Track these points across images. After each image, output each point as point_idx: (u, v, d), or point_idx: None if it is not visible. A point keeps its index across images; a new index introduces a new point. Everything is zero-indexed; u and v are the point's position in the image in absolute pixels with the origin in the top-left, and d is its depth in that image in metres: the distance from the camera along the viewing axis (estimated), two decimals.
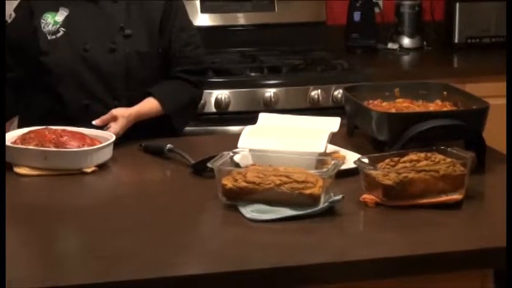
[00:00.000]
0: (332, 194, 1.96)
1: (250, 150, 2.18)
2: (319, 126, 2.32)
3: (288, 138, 2.19)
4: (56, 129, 2.37)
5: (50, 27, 2.70)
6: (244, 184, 1.96)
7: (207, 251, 1.80)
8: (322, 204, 1.93)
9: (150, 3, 2.79)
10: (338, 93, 3.57)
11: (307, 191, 1.93)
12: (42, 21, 2.70)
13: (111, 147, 2.37)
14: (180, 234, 1.88)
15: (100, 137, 2.39)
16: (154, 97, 2.72)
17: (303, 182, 1.94)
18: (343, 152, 2.33)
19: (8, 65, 2.71)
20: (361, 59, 4.09)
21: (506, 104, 2.43)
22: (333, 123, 2.34)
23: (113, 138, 2.38)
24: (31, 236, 1.89)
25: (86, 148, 2.30)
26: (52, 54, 2.68)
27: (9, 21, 2.78)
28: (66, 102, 2.69)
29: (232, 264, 1.71)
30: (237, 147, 2.19)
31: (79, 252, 1.81)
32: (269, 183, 1.95)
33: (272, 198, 1.95)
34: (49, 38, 2.69)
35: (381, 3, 4.39)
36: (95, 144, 2.33)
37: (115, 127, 2.55)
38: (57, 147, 2.30)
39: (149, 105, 2.71)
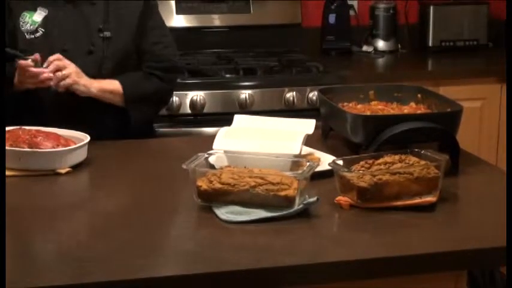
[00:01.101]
0: (307, 196, 1.96)
1: (225, 151, 2.18)
2: (294, 128, 2.32)
3: (263, 140, 2.19)
4: (30, 130, 2.35)
5: (28, 27, 2.69)
6: (219, 185, 1.96)
7: (181, 252, 1.80)
8: (297, 206, 1.93)
9: (128, 3, 2.78)
10: (313, 95, 3.57)
11: (282, 193, 1.93)
12: (20, 20, 2.69)
13: (86, 148, 2.35)
14: (154, 236, 1.87)
15: (75, 138, 2.37)
16: (117, 79, 2.71)
17: (278, 183, 1.94)
18: (318, 154, 2.34)
19: None
20: (336, 61, 4.10)
21: (506, 104, 2.44)
22: (308, 125, 2.34)
23: (88, 139, 2.36)
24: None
25: (60, 149, 2.29)
26: (28, 53, 2.66)
27: None
28: (45, 102, 2.68)
29: (207, 266, 1.70)
30: (212, 149, 2.18)
31: (52, 254, 1.80)
32: (244, 185, 1.95)
33: (247, 200, 1.95)
34: (27, 37, 2.69)
35: (356, 5, 4.40)
36: (69, 145, 2.32)
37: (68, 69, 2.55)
38: (31, 147, 2.28)
39: (111, 84, 2.70)
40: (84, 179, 2.32)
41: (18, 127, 2.37)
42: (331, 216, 1.98)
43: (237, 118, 2.44)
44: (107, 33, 2.72)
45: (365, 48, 4.33)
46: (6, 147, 2.27)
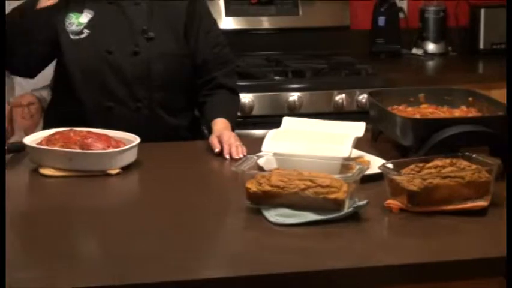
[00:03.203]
0: (356, 199, 1.95)
1: (275, 154, 2.18)
2: (343, 130, 2.31)
3: (312, 143, 2.19)
4: (81, 131, 2.37)
5: (74, 28, 2.70)
6: (268, 188, 1.95)
7: (228, 254, 1.80)
8: (346, 209, 1.92)
9: (173, 4, 2.79)
10: (362, 97, 3.56)
11: (332, 196, 1.92)
12: (66, 20, 2.71)
13: (136, 149, 2.37)
14: (202, 237, 1.88)
15: (125, 139, 2.39)
16: (220, 117, 2.70)
17: (327, 186, 1.93)
18: (367, 157, 2.32)
19: None
20: (385, 64, 4.08)
21: (506, 104, 2.42)
22: (358, 128, 2.33)
23: (138, 140, 2.38)
24: (52, 236, 1.89)
25: (110, 150, 2.30)
26: (73, 55, 2.69)
27: None
28: (87, 105, 2.70)
29: (254, 268, 1.70)
30: (261, 151, 2.18)
31: (100, 255, 1.82)
32: (293, 188, 1.94)
33: (296, 203, 1.94)
34: (72, 37, 2.70)
35: (405, 8, 4.37)
36: (119, 146, 2.33)
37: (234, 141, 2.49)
38: (82, 148, 2.30)
39: (224, 124, 2.68)
40: (134, 180, 2.33)
41: (69, 128, 2.39)
42: (381, 220, 1.97)
43: (286, 120, 2.44)
44: (151, 34, 2.73)
45: (415, 50, 4.30)
46: (57, 148, 2.29)
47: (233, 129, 2.67)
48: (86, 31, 2.71)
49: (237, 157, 2.39)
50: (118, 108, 2.71)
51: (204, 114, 2.80)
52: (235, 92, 2.89)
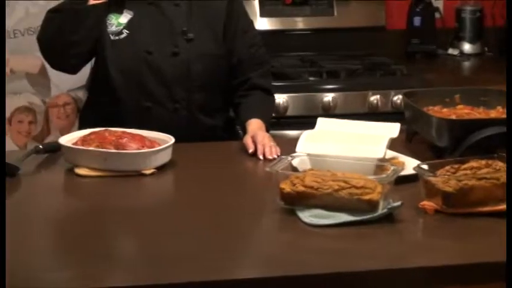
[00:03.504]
0: (391, 200, 1.94)
1: (309, 154, 2.18)
2: (378, 131, 2.30)
3: (346, 144, 2.18)
4: (116, 131, 2.39)
5: (114, 28, 2.72)
6: (302, 188, 1.96)
7: (262, 254, 1.80)
8: (381, 210, 1.92)
9: (212, 4, 2.80)
10: (397, 98, 3.54)
11: (366, 197, 1.92)
12: (107, 21, 2.73)
13: (170, 149, 2.38)
14: (237, 238, 1.88)
15: (159, 140, 2.40)
16: (255, 117, 2.72)
17: (361, 187, 1.93)
18: (402, 158, 2.32)
19: None
20: (420, 64, 4.06)
21: (506, 105, 2.40)
22: (393, 129, 2.32)
23: (172, 140, 2.39)
24: (88, 236, 1.91)
25: (145, 150, 2.32)
26: (113, 55, 2.71)
27: None
28: (125, 105, 2.72)
29: (287, 269, 1.70)
30: (295, 152, 2.19)
31: (134, 254, 1.83)
32: (327, 188, 1.94)
33: (330, 203, 1.94)
34: (112, 38, 2.72)
35: (441, 8, 4.35)
36: (154, 147, 2.34)
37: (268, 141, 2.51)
38: (117, 149, 2.31)
39: (258, 125, 2.69)
40: (169, 180, 2.34)
41: (104, 129, 2.41)
42: (415, 221, 1.96)
43: (321, 121, 2.44)
44: (191, 35, 2.74)
45: (450, 51, 4.27)
46: (93, 148, 2.31)
47: (267, 130, 2.67)
48: (126, 31, 2.72)
49: (270, 157, 2.40)
50: (156, 108, 2.72)
51: (239, 115, 2.80)
52: (270, 93, 2.89)
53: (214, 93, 2.81)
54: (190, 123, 2.75)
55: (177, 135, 2.42)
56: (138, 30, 2.73)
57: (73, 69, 2.83)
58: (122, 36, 2.72)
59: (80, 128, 2.76)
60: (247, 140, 2.51)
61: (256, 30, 2.94)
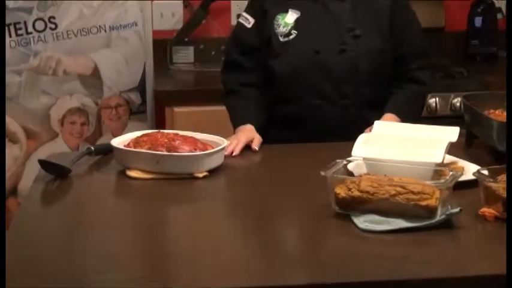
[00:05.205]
0: (449, 207, 1.93)
1: (365, 158, 2.17)
2: (436, 135, 2.29)
3: (404, 148, 2.17)
4: (168, 133, 2.40)
5: (281, 29, 2.76)
6: (357, 193, 1.95)
7: (316, 259, 1.80)
8: (439, 216, 1.90)
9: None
10: (457, 101, 3.52)
11: (423, 203, 1.91)
12: (274, 22, 2.77)
13: (223, 152, 2.39)
14: (290, 243, 1.88)
15: (212, 142, 2.41)
16: (392, 112, 2.74)
17: (419, 193, 1.91)
18: (461, 162, 2.29)
19: (248, 68, 2.83)
20: (481, 66, 4.02)
21: (506, 105, 2.36)
22: (452, 133, 2.30)
23: (225, 143, 2.40)
24: (139, 238, 1.92)
25: (198, 153, 2.33)
26: (282, 56, 2.75)
27: (243, 22, 2.84)
28: (295, 104, 2.76)
29: (343, 275, 1.70)
30: (351, 156, 2.18)
31: (187, 258, 1.83)
32: (383, 193, 1.93)
33: (386, 209, 1.93)
34: (281, 40, 2.76)
35: (503, 8, 4.29)
36: (206, 149, 2.35)
37: None
38: (169, 151, 2.32)
39: (392, 118, 2.72)
40: (221, 183, 2.35)
41: (156, 131, 2.43)
42: (474, 228, 1.94)
43: (377, 124, 2.43)
44: (357, 31, 2.75)
45: None
46: (145, 151, 2.33)
47: None
48: (294, 32, 2.76)
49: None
50: (325, 106, 2.75)
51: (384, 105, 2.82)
52: (425, 85, 2.88)
53: (380, 88, 2.81)
54: (358, 119, 2.73)
55: (345, 131, 2.46)
56: (306, 29, 2.76)
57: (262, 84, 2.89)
58: (291, 37, 2.76)
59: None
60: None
61: (419, 24, 2.94)
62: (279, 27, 2.76)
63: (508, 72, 2.57)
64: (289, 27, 2.75)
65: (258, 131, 2.68)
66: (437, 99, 3.54)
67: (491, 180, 1.98)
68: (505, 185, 1.94)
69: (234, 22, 4.06)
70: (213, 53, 4.04)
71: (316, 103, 2.74)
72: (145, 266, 1.74)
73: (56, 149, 3.61)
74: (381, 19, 2.79)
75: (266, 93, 2.83)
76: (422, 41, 2.89)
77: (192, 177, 2.31)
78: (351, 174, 2.13)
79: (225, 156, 2.42)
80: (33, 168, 2.39)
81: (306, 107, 2.75)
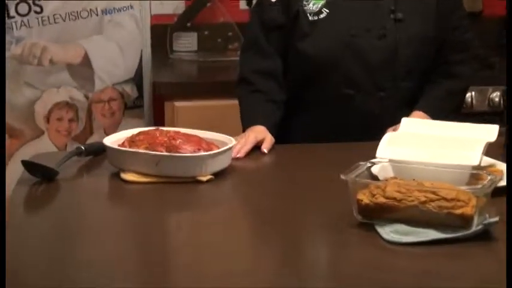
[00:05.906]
0: (487, 215, 1.93)
1: (391, 160, 2.17)
2: (472, 134, 2.29)
3: (435, 148, 2.17)
4: (168, 131, 2.40)
5: (311, 6, 2.76)
6: (383, 200, 1.95)
7: (337, 274, 1.81)
8: (475, 226, 1.91)
9: None
10: (496, 95, 3.51)
11: (458, 211, 1.91)
12: (304, 0, 2.77)
13: (230, 153, 2.39)
14: (306, 255, 1.89)
15: (218, 141, 2.41)
16: (422, 110, 2.77)
17: (452, 199, 1.91)
18: (500, 165, 2.30)
19: (268, 53, 2.82)
20: None
21: (506, 105, 2.36)
22: (490, 132, 2.30)
23: (232, 142, 2.40)
24: (138, 248, 1.93)
25: (201, 153, 2.32)
26: (311, 38, 2.75)
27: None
28: (324, 92, 2.77)
29: None
30: (375, 157, 2.18)
31: (184, 267, 1.84)
32: (412, 200, 1.93)
33: (415, 218, 1.93)
34: (310, 18, 2.76)
35: None
36: (211, 149, 2.35)
37: None
38: (169, 151, 2.31)
39: (421, 117, 2.74)
40: (228, 187, 2.36)
41: (155, 128, 2.43)
42: None
43: (405, 122, 2.43)
44: (400, 15, 2.75)
45: None
46: (142, 151, 2.33)
47: None
48: (325, 10, 2.75)
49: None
50: (358, 96, 2.76)
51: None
52: (466, 81, 2.91)
53: (421, 81, 2.83)
54: (395, 116, 2.73)
55: (381, 126, 2.48)
56: (339, 9, 2.75)
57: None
58: (322, 16, 2.75)
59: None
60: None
61: (465, 11, 2.95)
62: (309, 3, 2.75)
63: (508, 72, 2.57)
64: (320, 5, 2.74)
65: (271, 130, 2.68)
66: (473, 93, 3.54)
67: None
68: None
69: (243, 6, 4.06)
70: (219, 40, 4.04)
71: (348, 93, 2.74)
72: (143, 279, 1.75)
73: (42, 148, 3.63)
74: (427, 4, 2.79)
75: (285, 85, 2.83)
76: (467, 33, 2.90)
77: (195, 181, 2.31)
78: (375, 178, 2.13)
79: (232, 158, 2.42)
80: (15, 170, 2.39)
81: (336, 96, 2.75)
